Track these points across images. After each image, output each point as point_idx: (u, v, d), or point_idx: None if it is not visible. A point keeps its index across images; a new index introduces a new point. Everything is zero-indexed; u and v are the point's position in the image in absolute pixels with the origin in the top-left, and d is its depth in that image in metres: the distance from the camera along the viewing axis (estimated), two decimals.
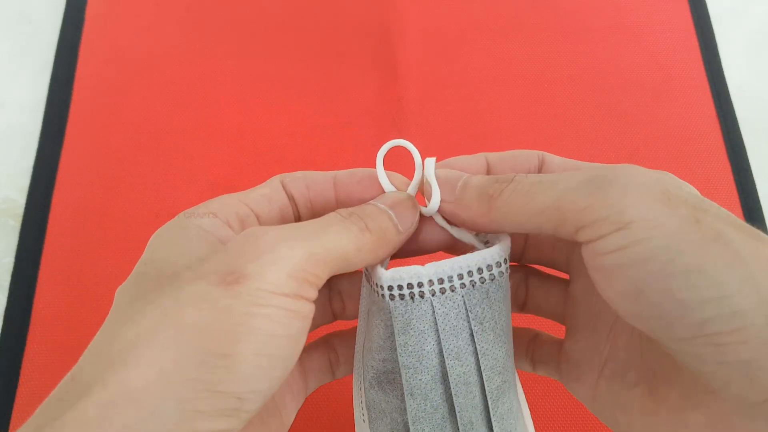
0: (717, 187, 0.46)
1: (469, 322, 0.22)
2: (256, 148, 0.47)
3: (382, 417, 0.24)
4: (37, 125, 0.47)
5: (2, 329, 0.41)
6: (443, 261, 0.22)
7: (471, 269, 0.22)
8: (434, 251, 0.25)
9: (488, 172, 0.25)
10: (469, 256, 0.22)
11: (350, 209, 0.22)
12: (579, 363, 0.25)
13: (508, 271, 0.23)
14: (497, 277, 0.23)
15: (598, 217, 0.18)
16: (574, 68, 0.50)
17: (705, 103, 0.49)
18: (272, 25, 0.52)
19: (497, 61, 0.50)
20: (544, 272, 0.27)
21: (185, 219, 0.21)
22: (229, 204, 0.22)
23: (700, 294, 0.17)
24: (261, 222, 0.23)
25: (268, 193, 0.24)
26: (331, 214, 0.22)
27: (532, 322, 0.29)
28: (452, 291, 0.22)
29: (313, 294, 0.19)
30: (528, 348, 0.28)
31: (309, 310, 0.19)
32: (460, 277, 0.22)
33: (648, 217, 0.18)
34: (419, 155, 0.24)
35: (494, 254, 0.22)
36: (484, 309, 0.22)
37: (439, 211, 0.24)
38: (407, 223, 0.23)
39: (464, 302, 0.22)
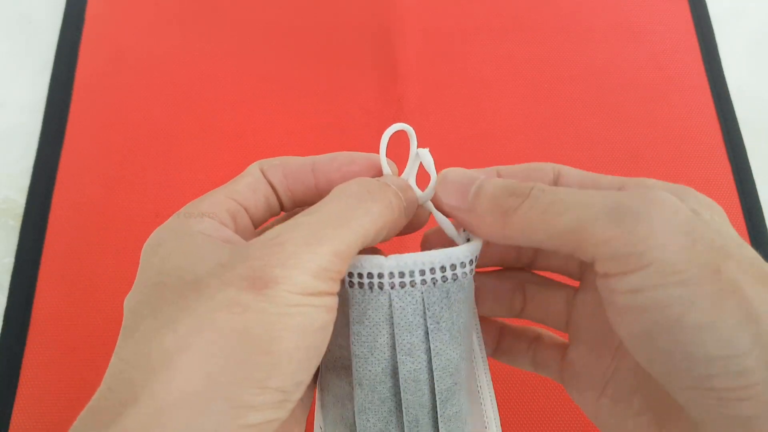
0: (717, 187, 0.46)
1: (425, 319, 0.22)
2: (256, 148, 0.47)
3: (335, 401, 0.24)
4: (37, 125, 0.47)
5: (2, 329, 0.41)
6: (406, 255, 0.22)
7: (434, 266, 0.22)
8: (411, 232, 0.25)
9: None
10: (433, 252, 0.22)
11: (382, 179, 0.22)
12: (582, 376, 0.24)
13: (473, 272, 0.23)
14: (460, 277, 0.22)
15: (618, 253, 0.18)
16: (574, 68, 0.50)
17: (705, 103, 0.49)
18: (272, 25, 0.52)
19: (497, 61, 0.50)
20: (545, 278, 0.27)
21: (181, 224, 0.21)
22: (217, 202, 0.22)
23: (709, 350, 0.17)
24: (250, 215, 0.23)
25: (252, 182, 0.23)
26: (353, 188, 0.21)
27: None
28: (412, 286, 0.22)
29: (337, 287, 0.20)
30: (529, 348, 0.27)
31: (334, 302, 0.20)
32: (422, 273, 0.22)
33: (668, 261, 0.17)
34: (416, 140, 0.24)
35: (459, 254, 0.22)
36: (442, 308, 0.22)
37: (452, 218, 0.24)
38: (411, 209, 0.23)
39: (423, 299, 0.22)
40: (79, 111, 0.48)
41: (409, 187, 0.23)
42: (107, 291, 0.42)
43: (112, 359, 0.19)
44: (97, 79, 0.49)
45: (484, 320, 0.27)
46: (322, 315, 0.19)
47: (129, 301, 0.20)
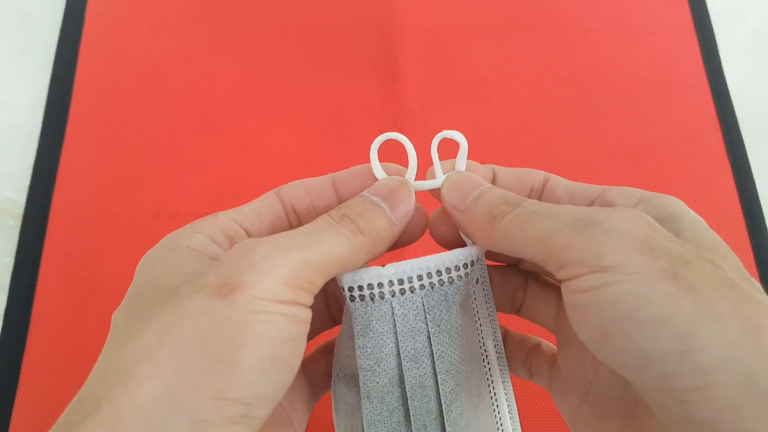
0: (717, 187, 0.46)
1: (427, 324, 0.22)
2: (256, 148, 0.47)
3: (347, 409, 0.25)
4: (37, 125, 0.47)
5: (2, 329, 0.41)
6: (403, 262, 0.22)
7: (430, 271, 0.22)
8: (412, 242, 0.25)
9: (494, 181, 0.25)
10: (428, 257, 0.22)
11: (341, 210, 0.22)
12: (566, 381, 0.25)
13: (467, 276, 0.23)
14: (456, 280, 0.23)
15: (577, 258, 0.18)
16: (574, 68, 0.50)
17: (705, 103, 0.49)
18: (272, 25, 0.52)
19: (497, 61, 0.50)
20: (544, 278, 0.27)
21: (172, 239, 0.21)
22: (215, 223, 0.22)
23: (662, 346, 0.17)
24: (250, 236, 0.23)
25: (258, 207, 0.23)
26: (323, 217, 0.21)
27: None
28: (412, 292, 0.22)
29: (309, 300, 0.20)
30: (527, 356, 0.27)
31: (306, 314, 0.19)
32: (420, 278, 0.22)
33: (624, 264, 0.18)
34: (412, 145, 0.24)
35: (453, 257, 0.23)
36: (441, 311, 0.23)
37: (450, 217, 0.24)
38: (402, 213, 0.22)
39: (423, 304, 0.22)
40: (79, 111, 0.48)
41: (401, 187, 0.23)
42: (107, 291, 0.42)
43: (90, 373, 0.19)
44: (97, 79, 0.49)
45: None
46: (290, 326, 0.19)
47: (114, 315, 0.20)
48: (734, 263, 0.19)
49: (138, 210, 0.45)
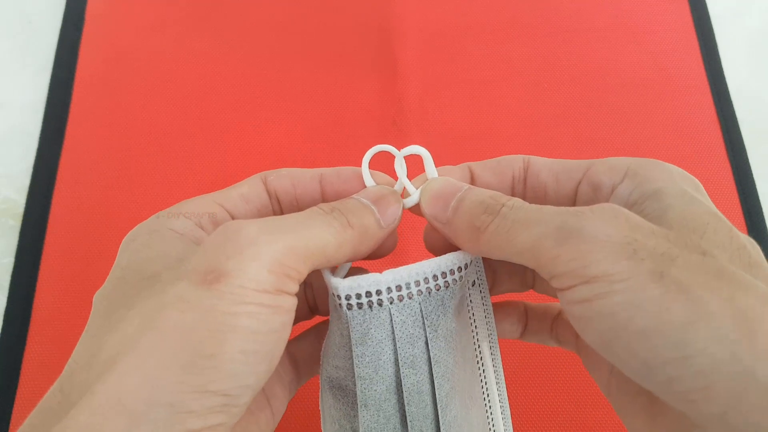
0: (717, 187, 0.46)
1: (424, 329, 0.22)
2: (256, 148, 0.47)
3: (332, 422, 0.25)
4: (37, 125, 0.47)
5: (2, 329, 0.41)
6: (400, 268, 0.22)
7: (427, 276, 0.22)
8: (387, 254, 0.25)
9: (472, 181, 0.25)
10: (424, 262, 0.22)
11: (332, 204, 0.22)
12: (593, 356, 0.25)
13: (462, 279, 0.23)
14: (451, 284, 0.23)
15: (565, 269, 0.18)
16: (574, 68, 0.50)
17: (705, 103, 0.49)
18: (272, 25, 0.52)
19: (497, 61, 0.50)
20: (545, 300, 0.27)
21: (157, 221, 0.21)
22: (202, 205, 0.22)
23: (660, 354, 0.17)
24: None
25: (245, 193, 0.23)
26: (313, 208, 0.21)
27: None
28: (410, 298, 0.22)
29: (294, 288, 0.19)
30: (553, 327, 0.27)
31: (291, 303, 0.19)
32: (417, 283, 0.22)
33: (611, 272, 0.18)
34: (403, 160, 0.24)
35: (448, 261, 0.23)
36: (438, 316, 0.23)
37: (434, 228, 0.24)
38: (390, 219, 0.23)
39: (421, 309, 0.22)
40: (79, 111, 0.48)
41: (390, 195, 0.23)
42: None
43: (70, 358, 0.19)
44: (97, 79, 0.49)
45: (510, 305, 0.28)
46: (274, 317, 0.18)
47: (95, 297, 0.20)
48: (725, 238, 0.19)
49: (138, 210, 0.45)
